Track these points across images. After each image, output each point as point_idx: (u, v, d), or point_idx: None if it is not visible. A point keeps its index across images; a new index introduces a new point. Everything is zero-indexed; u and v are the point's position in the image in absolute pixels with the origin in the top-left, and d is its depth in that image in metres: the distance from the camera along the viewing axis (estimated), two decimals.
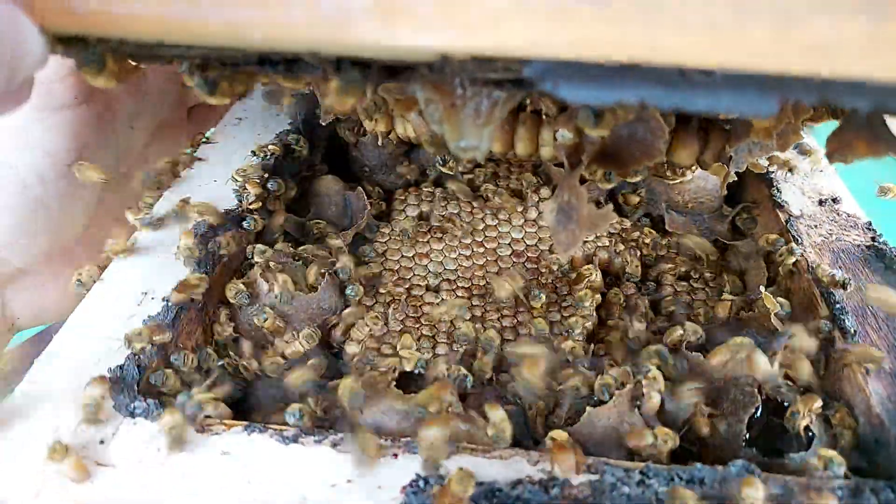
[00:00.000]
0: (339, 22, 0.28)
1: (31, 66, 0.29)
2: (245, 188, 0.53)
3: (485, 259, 0.59)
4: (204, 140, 0.63)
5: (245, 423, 0.37)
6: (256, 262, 0.49)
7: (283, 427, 0.37)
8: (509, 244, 0.61)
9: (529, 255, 0.60)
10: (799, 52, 0.25)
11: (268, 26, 0.29)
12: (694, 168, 0.58)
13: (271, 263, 0.48)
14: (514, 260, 0.59)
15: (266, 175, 0.55)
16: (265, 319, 0.46)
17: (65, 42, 0.31)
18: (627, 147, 0.42)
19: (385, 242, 0.60)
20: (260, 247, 0.49)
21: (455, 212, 0.63)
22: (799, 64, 0.26)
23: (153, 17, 0.29)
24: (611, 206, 0.43)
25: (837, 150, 0.37)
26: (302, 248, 0.52)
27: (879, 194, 0.57)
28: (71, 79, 0.52)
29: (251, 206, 0.52)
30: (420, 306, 0.54)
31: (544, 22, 0.26)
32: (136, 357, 0.39)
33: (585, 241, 0.60)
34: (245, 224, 0.51)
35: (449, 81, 0.33)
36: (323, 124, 0.60)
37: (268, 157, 0.56)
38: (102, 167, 0.58)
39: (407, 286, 0.56)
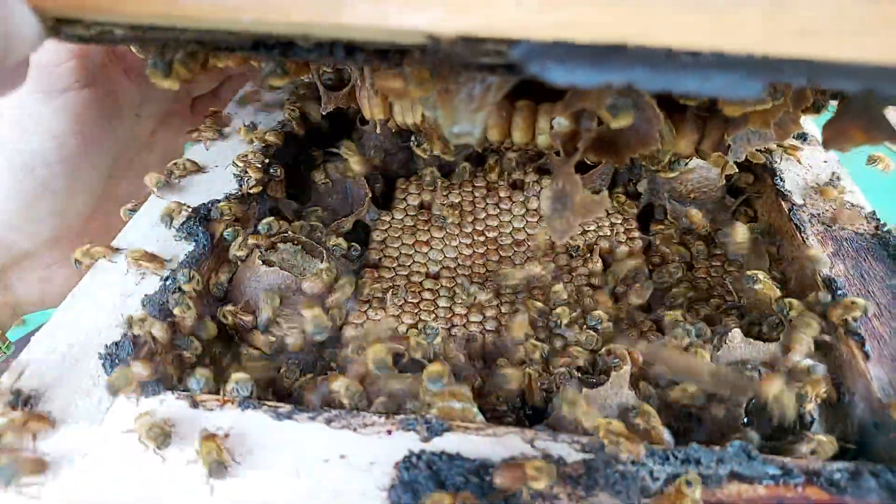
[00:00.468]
0: (331, 1, 0.28)
1: (23, 47, 0.29)
2: (246, 172, 0.53)
3: (485, 248, 0.59)
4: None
5: (240, 399, 0.37)
6: (236, 255, 0.49)
7: (278, 404, 0.37)
8: (510, 233, 0.61)
9: (530, 244, 0.60)
10: (789, 34, 0.25)
11: (259, 8, 0.29)
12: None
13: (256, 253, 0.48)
14: (515, 249, 0.59)
15: (267, 160, 0.55)
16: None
17: (62, 24, 0.32)
18: (623, 135, 0.42)
19: (385, 230, 0.60)
20: (238, 240, 0.49)
21: (457, 201, 0.63)
22: (789, 46, 0.25)
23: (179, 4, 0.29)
24: (605, 192, 0.42)
25: (833, 137, 0.37)
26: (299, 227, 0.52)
27: (869, 163, 0.57)
28: (72, 63, 0.52)
29: (251, 191, 0.52)
30: (420, 292, 0.54)
31: (533, 2, 0.26)
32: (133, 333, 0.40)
33: (587, 230, 0.60)
34: (212, 214, 0.50)
35: (441, 65, 0.33)
36: (323, 114, 0.59)
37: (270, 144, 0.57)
38: (108, 152, 0.59)
39: (406, 273, 0.56)
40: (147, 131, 0.66)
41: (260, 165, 0.54)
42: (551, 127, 0.45)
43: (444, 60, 0.31)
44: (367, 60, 0.32)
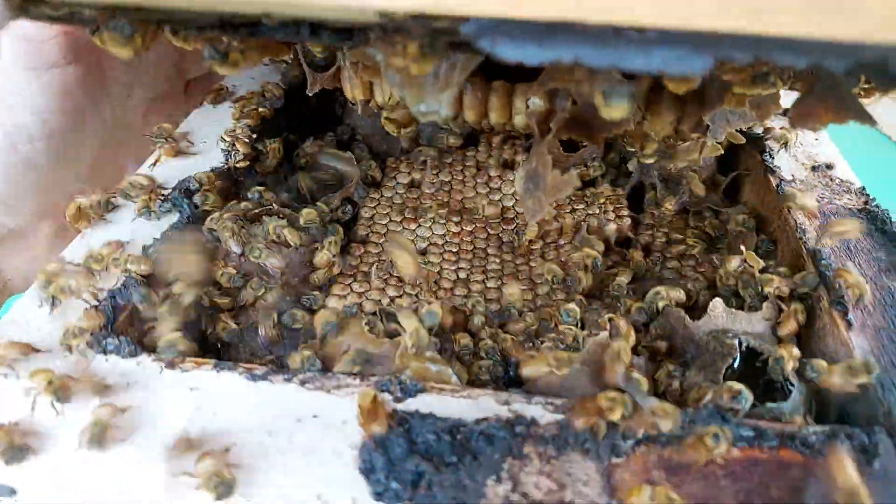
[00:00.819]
0: None
1: None
2: (234, 147, 0.53)
3: (473, 226, 0.59)
4: None
5: (214, 361, 0.37)
6: (211, 229, 0.48)
7: (253, 366, 0.37)
8: (500, 212, 0.60)
9: (520, 221, 0.60)
10: (735, 10, 0.25)
11: None
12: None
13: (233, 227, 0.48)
14: (504, 227, 0.59)
15: (255, 136, 0.55)
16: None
17: (28, 3, 0.32)
18: (597, 115, 0.42)
19: (374, 207, 0.60)
20: (215, 216, 0.48)
21: (447, 180, 0.63)
22: (735, 21, 0.25)
23: None
24: (575, 172, 0.42)
25: (801, 116, 0.37)
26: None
27: None
28: (60, 38, 0.52)
29: (238, 165, 0.53)
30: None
31: None
32: (113, 297, 0.40)
33: (575, 208, 0.59)
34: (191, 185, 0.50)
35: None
36: (309, 94, 0.60)
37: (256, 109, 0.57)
38: (95, 131, 0.59)
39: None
40: (138, 114, 0.66)
41: (248, 140, 0.54)
42: (527, 106, 0.45)
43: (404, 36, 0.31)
44: (331, 38, 0.32)
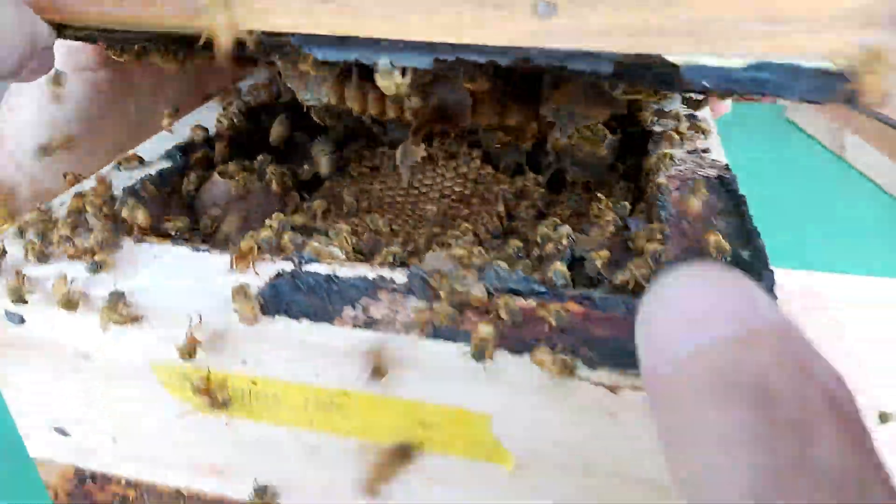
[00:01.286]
0: (188, 11, 0.45)
1: (43, 41, 0.47)
2: (221, 123, 0.68)
3: (416, 199, 0.72)
4: None
5: (171, 238, 0.51)
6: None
7: (198, 243, 0.50)
8: (439, 189, 0.74)
9: (453, 198, 0.73)
10: (437, 27, 0.41)
11: (149, 17, 0.46)
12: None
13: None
14: (441, 199, 0.72)
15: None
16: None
17: (62, 28, 0.49)
18: (452, 108, 0.57)
19: (337, 181, 0.74)
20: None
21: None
22: (439, 35, 0.41)
23: (98, 12, 0.47)
24: (422, 147, 0.59)
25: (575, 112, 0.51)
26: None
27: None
28: (93, 47, 0.70)
29: (223, 132, 0.68)
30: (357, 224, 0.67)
31: (298, 11, 0.43)
32: None
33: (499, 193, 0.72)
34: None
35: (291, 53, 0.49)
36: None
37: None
38: (119, 124, 0.76)
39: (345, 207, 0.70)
40: (159, 120, 0.82)
41: (233, 119, 0.69)
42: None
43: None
44: (241, 52, 0.48)
